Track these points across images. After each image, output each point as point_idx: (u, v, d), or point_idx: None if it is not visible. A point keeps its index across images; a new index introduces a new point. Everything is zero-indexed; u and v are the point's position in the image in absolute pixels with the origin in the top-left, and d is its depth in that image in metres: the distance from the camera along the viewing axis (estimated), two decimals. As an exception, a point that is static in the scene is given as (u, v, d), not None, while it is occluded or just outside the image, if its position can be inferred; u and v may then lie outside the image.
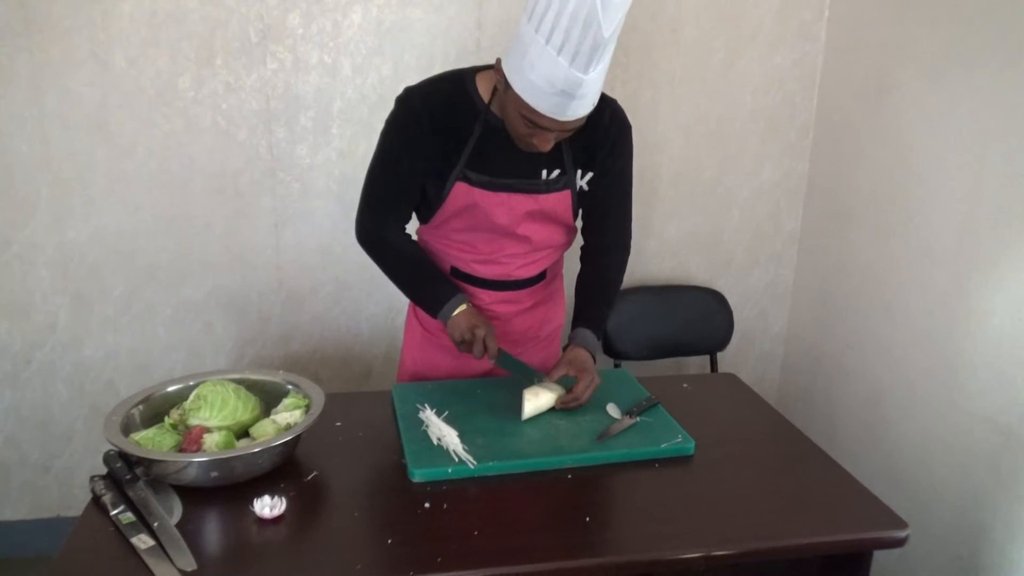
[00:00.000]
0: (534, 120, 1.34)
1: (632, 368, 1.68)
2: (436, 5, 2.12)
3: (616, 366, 2.30)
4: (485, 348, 1.51)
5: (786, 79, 2.37)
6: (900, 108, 2.03)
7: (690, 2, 2.25)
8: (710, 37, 2.29)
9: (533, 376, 1.56)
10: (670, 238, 2.47)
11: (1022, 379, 1.68)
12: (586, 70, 1.26)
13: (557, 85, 1.27)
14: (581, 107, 1.32)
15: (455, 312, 1.55)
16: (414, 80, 1.52)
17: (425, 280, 1.62)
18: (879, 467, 2.11)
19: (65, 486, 2.33)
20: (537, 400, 1.51)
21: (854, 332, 2.25)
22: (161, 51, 2.03)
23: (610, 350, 2.34)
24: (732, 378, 1.86)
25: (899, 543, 1.26)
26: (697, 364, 2.56)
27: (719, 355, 2.47)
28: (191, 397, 1.39)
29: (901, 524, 1.26)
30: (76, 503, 2.33)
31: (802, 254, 2.53)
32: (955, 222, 1.86)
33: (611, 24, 1.22)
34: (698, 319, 2.43)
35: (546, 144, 1.40)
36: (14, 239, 2.11)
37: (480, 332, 1.51)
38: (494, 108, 1.46)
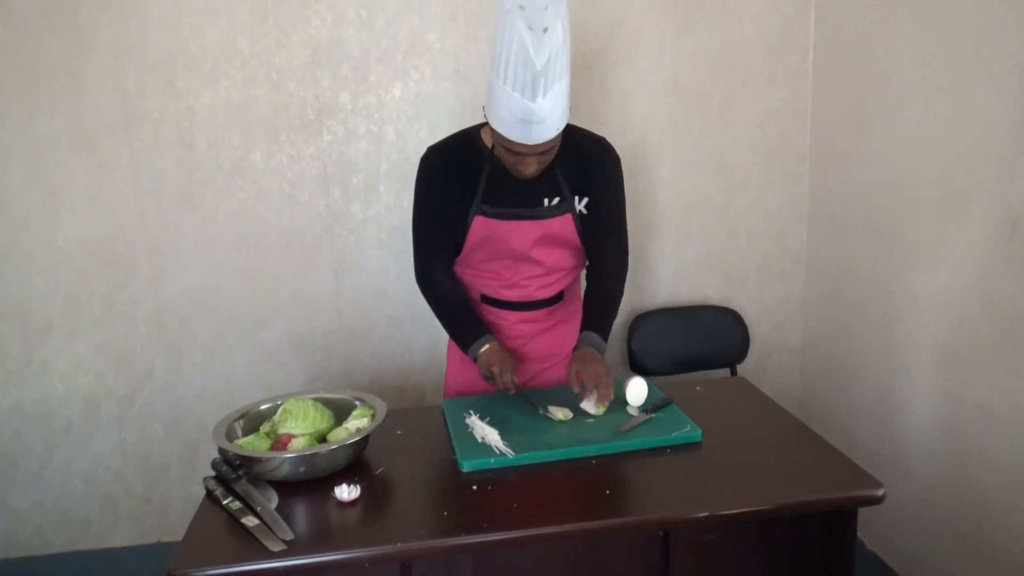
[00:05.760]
0: (511, 148, 1.65)
1: (657, 383, 1.92)
2: (463, 76, 2.46)
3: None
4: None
5: (780, 114, 2.64)
6: (878, 133, 2.28)
7: (686, 56, 2.55)
8: (707, 85, 2.58)
9: (539, 410, 1.78)
10: (686, 263, 2.73)
11: (999, 364, 1.87)
12: (534, 98, 1.56)
13: (517, 115, 1.58)
14: (542, 131, 1.61)
15: (481, 350, 1.83)
16: (447, 141, 1.85)
17: (460, 321, 1.91)
18: (889, 458, 2.29)
19: (164, 514, 2.65)
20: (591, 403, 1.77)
21: (859, 338, 2.46)
22: (235, 132, 2.41)
23: (636, 367, 2.59)
24: (742, 381, 2.09)
25: (877, 501, 1.47)
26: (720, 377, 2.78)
27: (740, 368, 2.69)
28: (279, 412, 1.69)
29: (877, 484, 1.48)
30: (174, 529, 2.65)
31: (809, 270, 2.75)
32: (930, 230, 2.08)
33: (542, 59, 1.53)
34: (717, 335, 2.67)
35: (528, 168, 1.70)
36: (117, 299, 2.48)
37: (496, 369, 1.78)
38: (497, 152, 1.75)
